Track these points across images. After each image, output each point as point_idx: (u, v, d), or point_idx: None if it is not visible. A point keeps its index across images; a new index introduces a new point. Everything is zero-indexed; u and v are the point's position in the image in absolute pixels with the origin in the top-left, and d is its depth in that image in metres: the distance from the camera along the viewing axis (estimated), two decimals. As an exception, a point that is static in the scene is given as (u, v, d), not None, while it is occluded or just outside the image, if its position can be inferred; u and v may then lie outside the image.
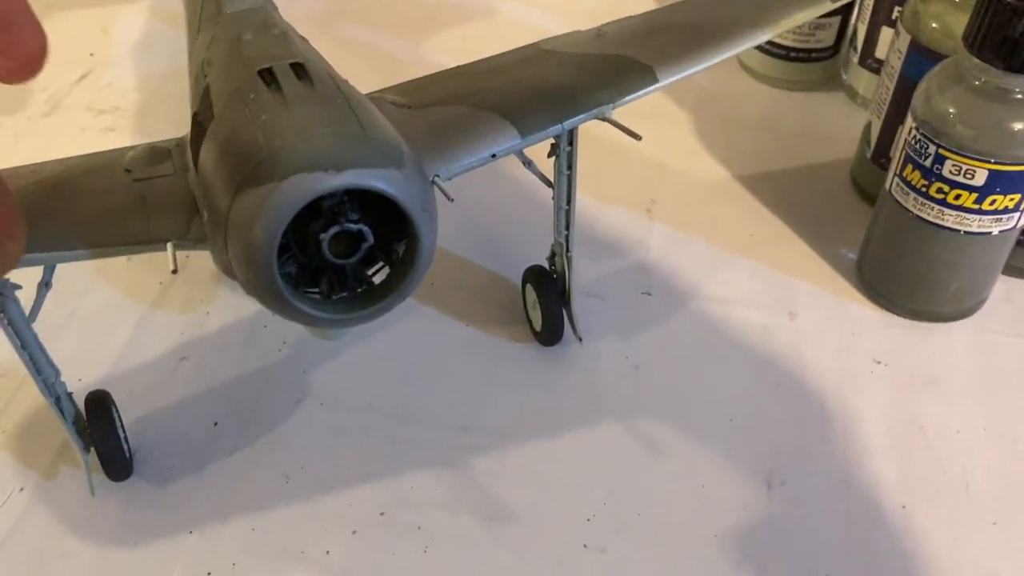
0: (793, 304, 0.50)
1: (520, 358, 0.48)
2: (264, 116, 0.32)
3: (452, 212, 0.36)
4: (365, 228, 0.31)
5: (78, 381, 0.44)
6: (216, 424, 0.44)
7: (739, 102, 0.66)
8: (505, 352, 0.48)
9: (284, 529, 0.40)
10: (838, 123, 0.63)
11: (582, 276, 0.51)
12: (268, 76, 0.34)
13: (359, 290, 0.34)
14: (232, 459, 0.43)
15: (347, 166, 0.30)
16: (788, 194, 0.57)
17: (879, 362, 0.47)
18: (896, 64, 0.51)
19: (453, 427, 0.44)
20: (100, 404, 0.41)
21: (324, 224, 0.31)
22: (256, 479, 0.42)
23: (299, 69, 0.35)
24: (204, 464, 0.43)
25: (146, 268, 0.51)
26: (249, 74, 0.35)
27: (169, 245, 0.34)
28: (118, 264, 0.51)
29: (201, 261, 0.45)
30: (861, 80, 0.64)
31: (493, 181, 0.54)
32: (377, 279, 0.34)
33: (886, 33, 0.60)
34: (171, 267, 0.33)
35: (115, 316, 0.49)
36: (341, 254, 0.32)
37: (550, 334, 0.47)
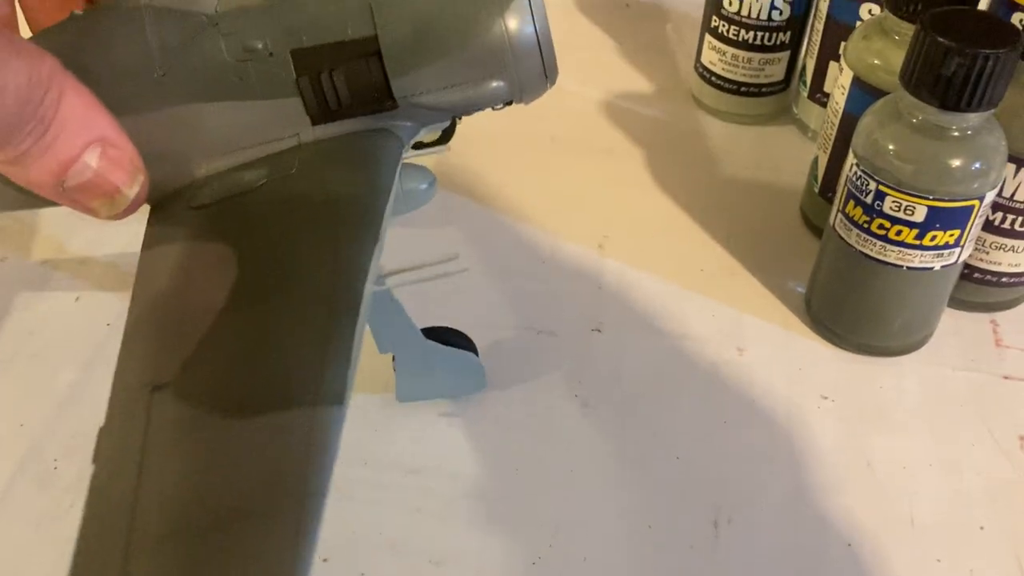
0: (742, 339, 0.51)
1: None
2: None
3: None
4: None
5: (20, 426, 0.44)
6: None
7: (692, 136, 0.66)
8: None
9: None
10: (789, 156, 0.64)
11: (532, 313, 0.51)
12: None
13: None
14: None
15: None
16: (739, 228, 0.58)
17: (827, 397, 0.48)
18: (840, 100, 0.52)
19: (400, 468, 0.44)
20: None
21: None
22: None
23: None
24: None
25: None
26: None
27: None
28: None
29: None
30: (812, 114, 0.65)
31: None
32: None
33: (833, 68, 0.61)
34: None
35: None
36: None
37: None
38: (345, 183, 0.41)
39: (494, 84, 0.41)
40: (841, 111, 0.52)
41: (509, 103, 0.42)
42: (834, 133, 0.53)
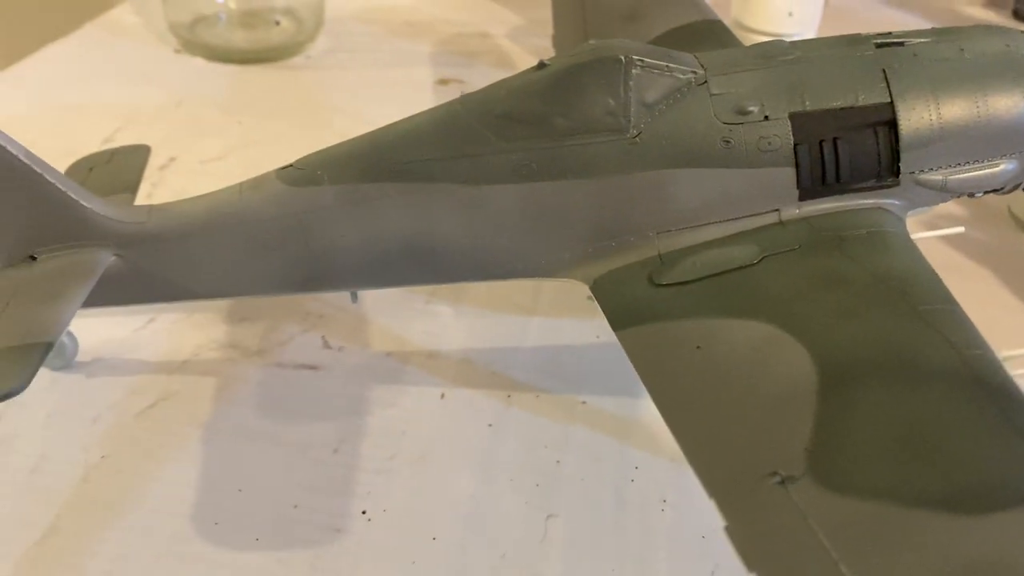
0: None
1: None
2: None
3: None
4: None
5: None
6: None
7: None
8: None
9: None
10: None
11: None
12: None
13: None
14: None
15: None
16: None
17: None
18: None
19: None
20: None
21: None
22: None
23: None
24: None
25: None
26: None
27: None
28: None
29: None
30: None
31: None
32: None
33: None
34: None
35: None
36: None
37: None
38: (882, 262, 0.37)
39: (1005, 165, 0.39)
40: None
41: (1017, 187, 0.40)
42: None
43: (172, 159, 0.69)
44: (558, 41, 0.65)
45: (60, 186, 0.43)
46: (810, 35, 0.84)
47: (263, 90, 0.81)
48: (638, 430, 0.48)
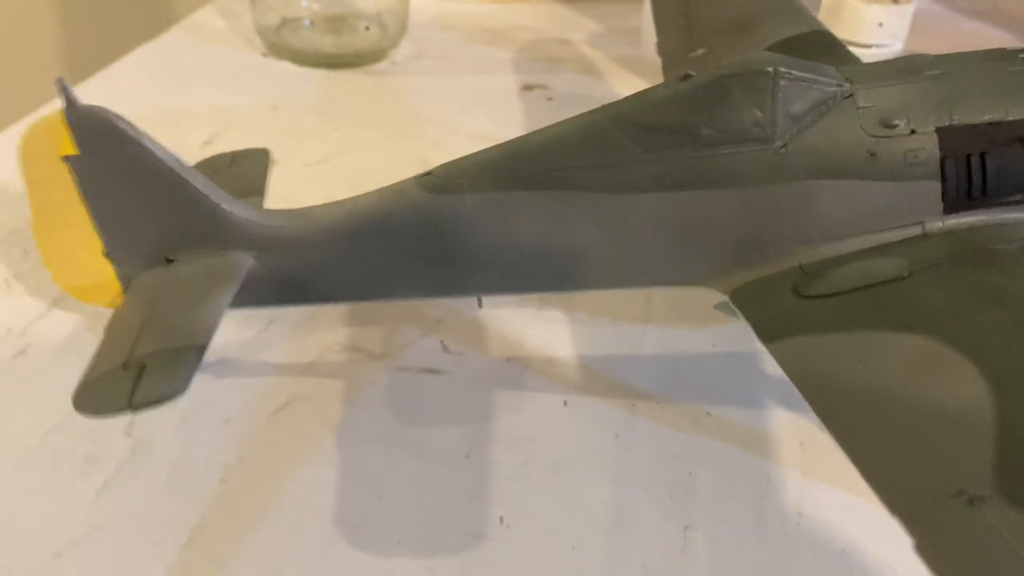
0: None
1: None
2: None
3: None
4: None
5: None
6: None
7: None
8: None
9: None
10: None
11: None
12: None
13: None
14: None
15: None
16: None
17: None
18: None
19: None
20: None
21: None
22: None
23: None
24: None
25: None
26: None
27: None
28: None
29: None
30: None
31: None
32: None
33: None
34: None
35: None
36: None
37: None
38: None
39: None
40: None
41: None
42: None
43: (273, 163, 0.69)
44: (663, 49, 0.65)
45: (204, 191, 0.44)
46: (899, 46, 0.83)
47: (354, 95, 0.81)
48: (765, 442, 0.48)
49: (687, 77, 0.43)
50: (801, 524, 0.43)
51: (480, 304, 0.49)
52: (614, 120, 0.43)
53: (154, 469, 0.45)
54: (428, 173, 0.45)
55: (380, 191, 0.46)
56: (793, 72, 0.41)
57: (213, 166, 0.55)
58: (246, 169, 0.54)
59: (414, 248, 0.45)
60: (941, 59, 0.43)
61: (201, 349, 0.40)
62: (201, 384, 0.49)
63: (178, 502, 0.43)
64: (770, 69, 0.41)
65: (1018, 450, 0.31)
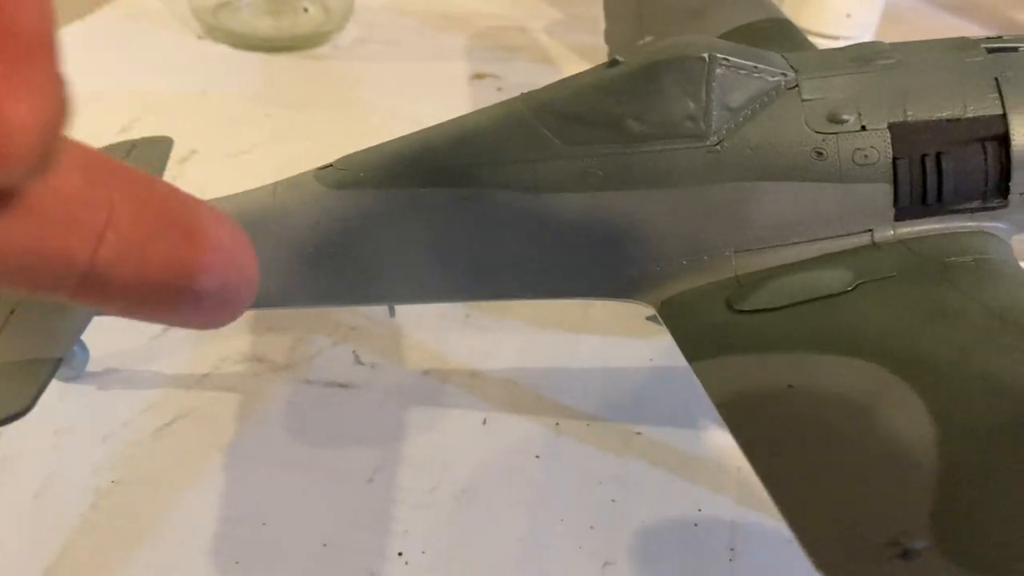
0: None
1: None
2: None
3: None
4: None
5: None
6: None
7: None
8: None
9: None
10: None
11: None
12: None
13: None
14: None
15: None
16: None
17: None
18: None
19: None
20: None
21: None
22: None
23: None
24: None
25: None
26: None
27: None
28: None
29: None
30: None
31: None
32: None
33: None
34: None
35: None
36: None
37: None
38: (994, 295, 0.33)
39: None
40: None
41: None
42: None
43: (194, 152, 0.64)
44: (611, 37, 0.61)
45: None
46: (867, 39, 0.79)
47: (291, 80, 0.76)
48: (698, 466, 0.44)
49: (615, 63, 0.38)
50: (733, 562, 0.39)
51: (392, 313, 0.44)
52: (534, 110, 0.39)
53: (18, 489, 0.41)
54: (328, 165, 0.41)
55: (275, 185, 0.41)
56: (731, 59, 0.36)
57: (112, 155, 0.50)
58: (143, 159, 0.49)
59: (313, 249, 0.40)
60: (896, 47, 0.39)
61: (56, 362, 0.35)
62: (80, 396, 0.45)
63: (41, 528, 0.39)
64: (705, 55, 0.36)
65: (959, 495, 0.27)
